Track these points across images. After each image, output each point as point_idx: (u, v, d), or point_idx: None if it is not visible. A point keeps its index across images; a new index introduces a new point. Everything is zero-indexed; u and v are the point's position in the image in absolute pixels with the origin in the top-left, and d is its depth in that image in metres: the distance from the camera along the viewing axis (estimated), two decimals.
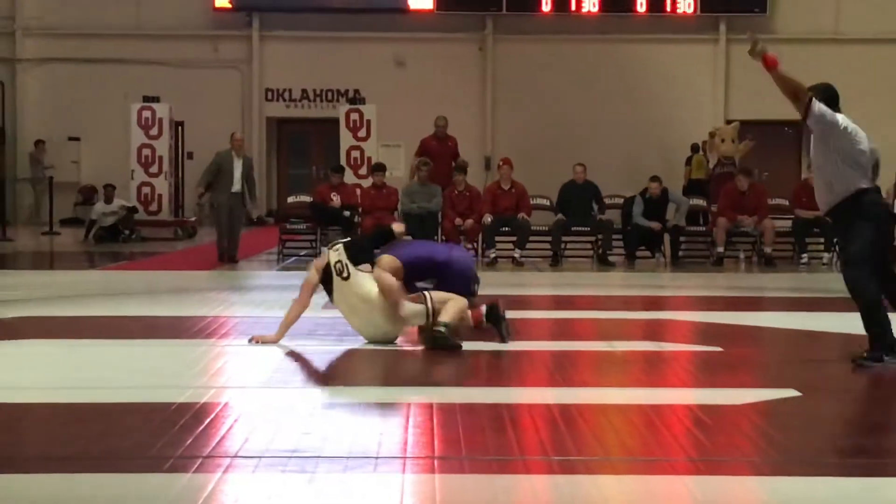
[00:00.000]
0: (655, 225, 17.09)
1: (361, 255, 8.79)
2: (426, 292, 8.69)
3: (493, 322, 8.76)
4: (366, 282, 8.62)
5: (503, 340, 8.68)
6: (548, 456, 5.45)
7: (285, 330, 8.68)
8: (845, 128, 7.88)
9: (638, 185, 18.31)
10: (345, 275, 8.63)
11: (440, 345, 8.39)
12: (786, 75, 7.79)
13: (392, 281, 8.57)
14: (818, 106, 7.80)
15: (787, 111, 8.39)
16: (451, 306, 8.55)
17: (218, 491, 4.81)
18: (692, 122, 26.21)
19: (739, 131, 20.95)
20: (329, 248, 8.92)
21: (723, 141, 20.64)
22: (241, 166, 16.74)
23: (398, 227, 9.24)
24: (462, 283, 8.94)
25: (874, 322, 7.79)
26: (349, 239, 9.12)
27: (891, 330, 7.82)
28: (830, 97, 7.94)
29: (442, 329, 8.43)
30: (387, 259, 8.84)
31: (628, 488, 5.01)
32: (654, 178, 17.63)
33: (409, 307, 8.57)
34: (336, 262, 8.67)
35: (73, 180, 26.96)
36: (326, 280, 8.71)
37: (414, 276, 8.96)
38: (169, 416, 6.14)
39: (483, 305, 8.85)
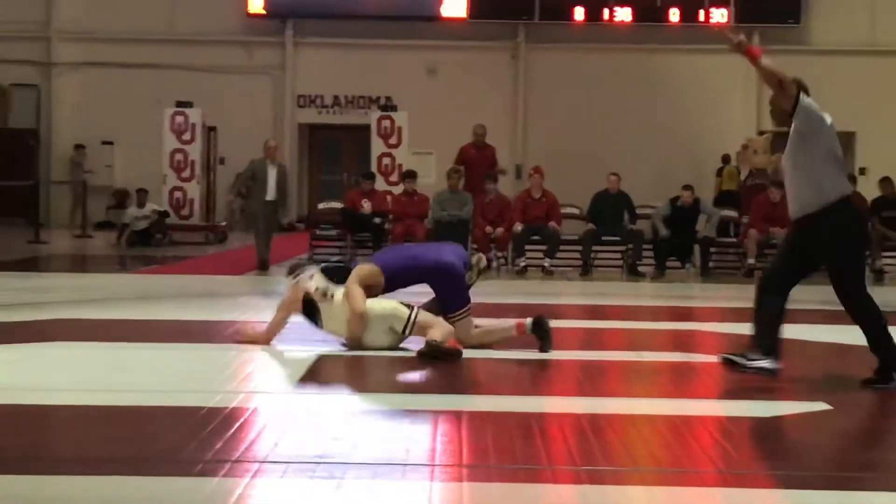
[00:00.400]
0: (664, 234, 17.03)
1: (338, 272, 8.84)
2: (416, 307, 8.71)
3: (539, 335, 8.77)
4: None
5: (544, 351, 8.69)
6: (576, 465, 5.44)
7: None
8: (831, 124, 7.47)
9: (668, 195, 18.26)
10: (328, 296, 8.66)
11: (435, 354, 8.28)
12: (770, 67, 7.40)
13: (358, 293, 8.55)
14: (807, 99, 7.42)
15: None
16: (437, 331, 8.50)
17: (246, 496, 4.82)
18: (724, 133, 26.16)
19: (772, 143, 20.87)
20: (295, 282, 8.83)
21: (755, 152, 20.56)
22: (276, 174, 16.54)
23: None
24: (454, 287, 8.83)
25: (885, 340, 7.60)
26: (321, 266, 9.11)
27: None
28: (806, 92, 7.50)
29: (432, 342, 8.38)
30: (363, 267, 8.87)
31: (657, 499, 5.00)
32: (687, 187, 17.60)
33: (389, 306, 8.63)
34: (315, 289, 8.69)
35: (106, 184, 27.17)
36: (310, 311, 8.72)
37: (399, 283, 8.92)
38: (198, 420, 6.17)
39: (529, 318, 8.85)
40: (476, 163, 18.05)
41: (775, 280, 7.70)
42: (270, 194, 16.43)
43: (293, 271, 8.96)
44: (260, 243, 16.55)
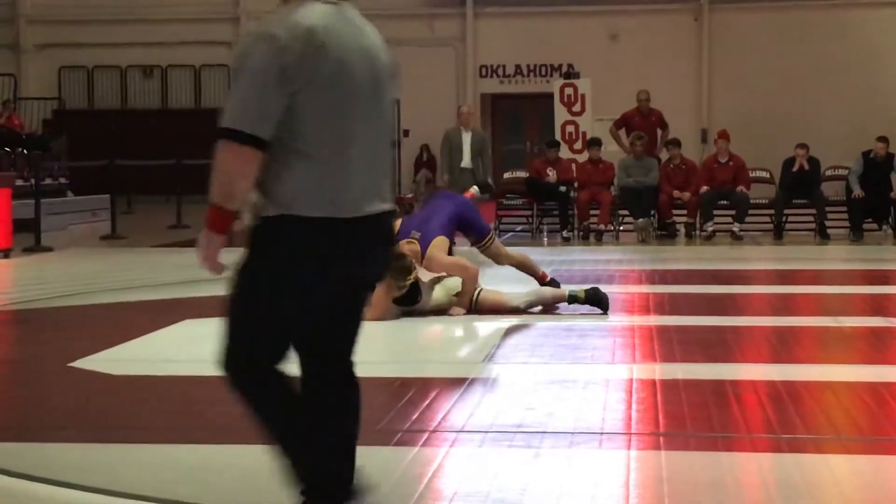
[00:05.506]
0: (858, 192, 16.45)
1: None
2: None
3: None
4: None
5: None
6: (775, 434, 5.35)
7: None
8: None
9: None
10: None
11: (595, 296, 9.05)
12: None
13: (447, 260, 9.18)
14: None
15: None
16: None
17: (445, 465, 4.89)
18: None
19: None
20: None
21: None
22: (471, 141, 15.99)
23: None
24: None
25: None
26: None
27: None
28: None
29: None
30: (441, 239, 9.21)
31: (860, 469, 4.88)
32: (881, 139, 17.05)
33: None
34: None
35: None
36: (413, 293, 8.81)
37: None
38: (395, 390, 6.28)
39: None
40: (641, 129, 17.77)
41: None
42: (466, 161, 15.90)
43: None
44: None
